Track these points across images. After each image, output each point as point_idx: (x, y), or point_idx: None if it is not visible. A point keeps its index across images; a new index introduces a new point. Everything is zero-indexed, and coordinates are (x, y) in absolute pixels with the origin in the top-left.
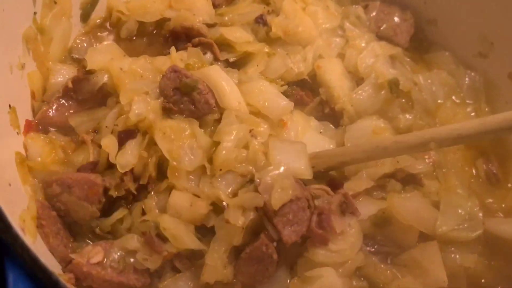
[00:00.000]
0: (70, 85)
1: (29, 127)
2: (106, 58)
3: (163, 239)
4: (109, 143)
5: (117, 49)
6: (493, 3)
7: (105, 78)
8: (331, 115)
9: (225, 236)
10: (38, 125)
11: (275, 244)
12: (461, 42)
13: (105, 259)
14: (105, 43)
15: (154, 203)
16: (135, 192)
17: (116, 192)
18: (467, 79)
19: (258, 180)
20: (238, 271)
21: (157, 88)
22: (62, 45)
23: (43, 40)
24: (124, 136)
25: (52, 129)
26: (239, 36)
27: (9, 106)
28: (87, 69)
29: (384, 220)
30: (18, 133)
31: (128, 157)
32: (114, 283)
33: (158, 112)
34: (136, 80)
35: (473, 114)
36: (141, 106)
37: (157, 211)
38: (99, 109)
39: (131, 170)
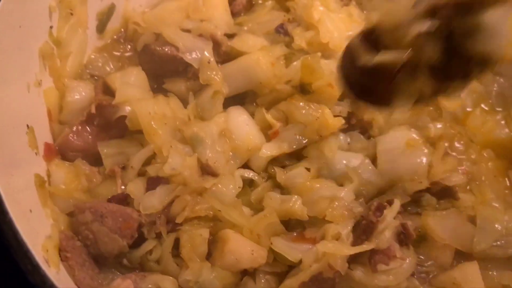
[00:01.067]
0: (93, 110)
1: (50, 151)
2: (134, 92)
3: None
4: (134, 188)
5: (144, 79)
6: None
7: (127, 110)
8: (359, 125)
9: None
10: (59, 149)
11: None
12: None
13: None
14: (134, 72)
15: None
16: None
17: (148, 233)
18: (495, 85)
19: None
20: None
21: None
22: (79, 59)
23: (59, 54)
24: (154, 182)
25: (72, 153)
26: (253, 45)
27: (27, 126)
28: (113, 102)
29: (420, 237)
30: (36, 154)
31: (154, 201)
32: None
33: (194, 169)
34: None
35: (503, 122)
36: (176, 160)
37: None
38: (130, 143)
39: (166, 212)
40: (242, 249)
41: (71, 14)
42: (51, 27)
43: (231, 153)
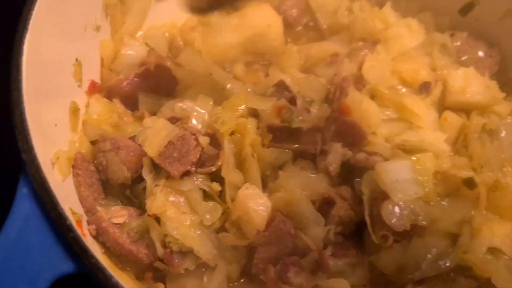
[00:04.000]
0: (152, 68)
1: (94, 88)
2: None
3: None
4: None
5: None
6: None
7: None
8: None
9: None
10: (106, 91)
11: None
12: None
13: (126, 224)
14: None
15: None
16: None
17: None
18: None
19: None
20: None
21: None
22: (138, 20)
23: (122, 9)
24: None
25: (117, 97)
26: None
27: (76, 59)
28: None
29: None
30: (79, 86)
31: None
32: (125, 249)
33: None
34: None
35: None
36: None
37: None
38: (169, 100)
39: None
40: None
41: None
42: None
43: None
